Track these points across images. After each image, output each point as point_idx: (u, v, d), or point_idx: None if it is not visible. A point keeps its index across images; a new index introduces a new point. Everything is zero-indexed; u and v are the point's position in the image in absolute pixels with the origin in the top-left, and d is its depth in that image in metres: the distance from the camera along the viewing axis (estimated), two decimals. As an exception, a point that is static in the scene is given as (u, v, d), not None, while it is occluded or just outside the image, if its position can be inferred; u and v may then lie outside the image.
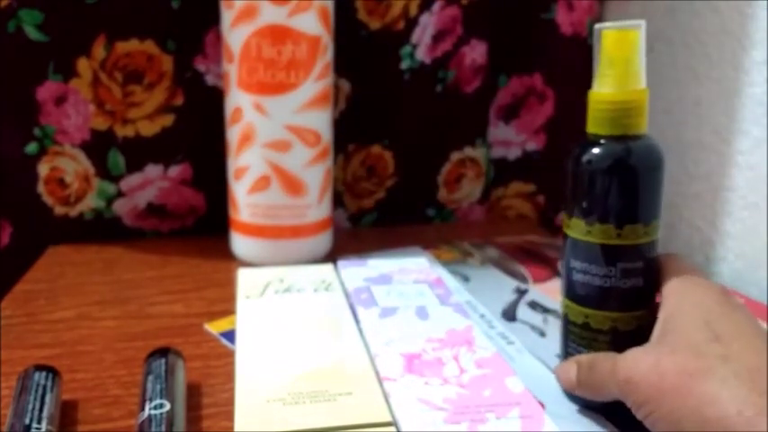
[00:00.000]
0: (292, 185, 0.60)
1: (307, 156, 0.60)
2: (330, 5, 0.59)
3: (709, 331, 0.33)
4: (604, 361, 0.37)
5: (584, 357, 0.39)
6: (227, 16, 0.58)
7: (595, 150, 0.38)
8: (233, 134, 0.61)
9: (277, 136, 0.58)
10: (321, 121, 0.60)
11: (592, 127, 0.39)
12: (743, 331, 0.33)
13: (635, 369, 0.34)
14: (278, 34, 0.56)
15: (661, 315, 0.37)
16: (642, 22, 0.38)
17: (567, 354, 0.42)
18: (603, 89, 0.38)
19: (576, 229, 0.39)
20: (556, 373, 0.42)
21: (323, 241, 0.64)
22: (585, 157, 0.39)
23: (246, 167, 0.60)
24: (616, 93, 0.38)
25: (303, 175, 0.60)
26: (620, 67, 0.38)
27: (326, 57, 0.59)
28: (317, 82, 0.59)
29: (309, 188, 0.61)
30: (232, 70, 0.59)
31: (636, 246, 0.38)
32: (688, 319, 0.34)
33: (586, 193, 0.38)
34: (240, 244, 0.63)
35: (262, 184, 0.60)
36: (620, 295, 0.39)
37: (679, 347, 0.33)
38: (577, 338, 0.41)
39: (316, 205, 0.62)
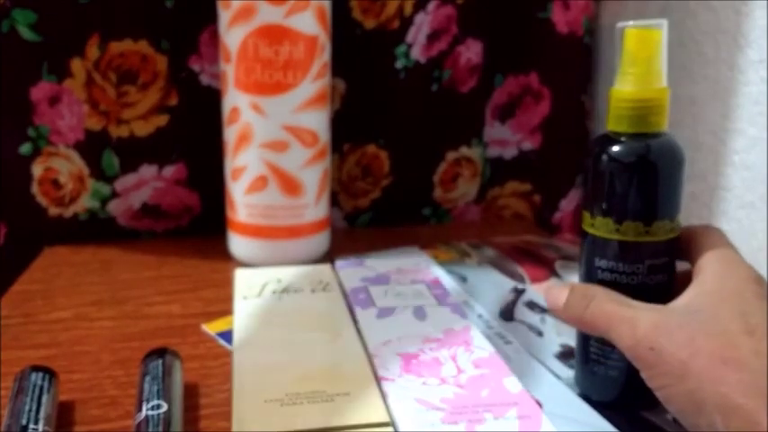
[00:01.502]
0: (290, 186, 0.60)
1: (304, 156, 0.60)
2: (327, 5, 0.59)
3: (745, 323, 0.33)
4: (609, 302, 0.37)
5: (580, 285, 0.39)
6: (224, 16, 0.58)
7: (620, 148, 0.38)
8: (230, 134, 0.60)
9: (274, 136, 0.58)
10: (318, 122, 0.60)
11: (612, 125, 0.39)
12: None
13: (665, 339, 0.34)
14: (275, 34, 0.56)
15: (695, 288, 0.36)
16: (664, 21, 0.38)
17: (588, 358, 0.41)
18: (625, 87, 0.38)
19: (603, 227, 0.39)
20: (546, 292, 0.41)
21: (320, 241, 0.64)
22: (611, 156, 0.38)
23: (244, 167, 0.60)
24: (637, 91, 0.38)
25: (300, 176, 0.60)
26: (642, 65, 0.38)
27: (324, 57, 0.59)
28: (314, 82, 0.58)
29: (307, 188, 0.60)
30: (229, 70, 0.58)
31: (663, 241, 0.38)
32: (725, 306, 0.34)
33: (614, 192, 0.38)
34: (237, 244, 0.62)
35: (259, 184, 0.59)
36: (646, 291, 0.38)
37: (714, 332, 0.33)
38: (601, 339, 0.40)
39: (313, 205, 0.61)
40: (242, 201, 0.61)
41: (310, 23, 0.57)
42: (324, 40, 0.59)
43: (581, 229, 0.41)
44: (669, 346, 0.33)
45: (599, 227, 0.39)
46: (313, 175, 0.61)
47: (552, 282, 0.41)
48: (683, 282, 0.38)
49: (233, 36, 0.57)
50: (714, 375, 0.31)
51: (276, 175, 0.59)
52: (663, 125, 0.38)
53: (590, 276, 0.40)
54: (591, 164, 0.39)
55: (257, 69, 0.57)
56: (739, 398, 0.30)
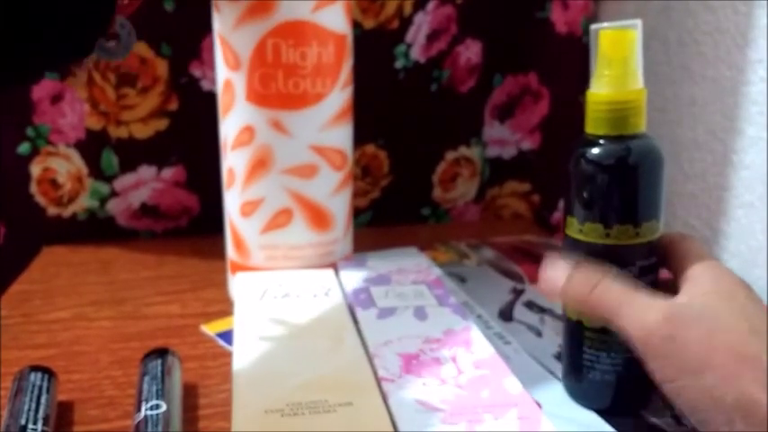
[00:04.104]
0: (318, 218, 0.51)
1: (334, 181, 0.51)
2: None
3: (749, 323, 0.33)
4: (618, 285, 0.35)
5: (586, 265, 0.37)
6: (228, 12, 0.49)
7: (602, 152, 0.38)
8: (238, 161, 0.51)
9: (301, 159, 0.50)
10: (346, 138, 0.52)
11: (590, 128, 0.39)
12: None
13: (683, 331, 0.33)
14: (302, 33, 0.47)
15: (692, 289, 0.35)
16: (638, 22, 0.37)
17: (582, 364, 0.40)
18: (601, 89, 0.38)
19: (592, 233, 0.38)
20: (540, 273, 0.39)
21: None
22: (595, 160, 0.38)
23: (260, 201, 0.51)
24: (614, 93, 0.37)
25: (330, 205, 0.52)
26: (618, 67, 0.37)
27: (351, 60, 0.52)
28: (343, 90, 0.50)
29: (336, 219, 0.52)
30: (237, 79, 0.49)
31: (651, 242, 0.38)
32: (728, 306, 0.34)
33: (603, 197, 0.38)
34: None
35: (282, 219, 0.51)
36: None
37: (728, 328, 0.32)
38: (596, 344, 0.39)
39: (342, 239, 0.54)
40: (257, 242, 0.52)
41: (339, 19, 0.49)
42: (350, 39, 0.52)
43: (566, 236, 0.40)
44: (687, 339, 0.32)
45: (588, 232, 0.38)
46: (342, 202, 0.53)
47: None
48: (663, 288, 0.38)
49: (244, 36, 0.48)
50: (734, 370, 0.31)
51: (303, 207, 0.51)
52: (641, 126, 0.38)
53: None
54: (573, 169, 0.39)
55: (279, 77, 0.48)
56: (758, 393, 0.30)
